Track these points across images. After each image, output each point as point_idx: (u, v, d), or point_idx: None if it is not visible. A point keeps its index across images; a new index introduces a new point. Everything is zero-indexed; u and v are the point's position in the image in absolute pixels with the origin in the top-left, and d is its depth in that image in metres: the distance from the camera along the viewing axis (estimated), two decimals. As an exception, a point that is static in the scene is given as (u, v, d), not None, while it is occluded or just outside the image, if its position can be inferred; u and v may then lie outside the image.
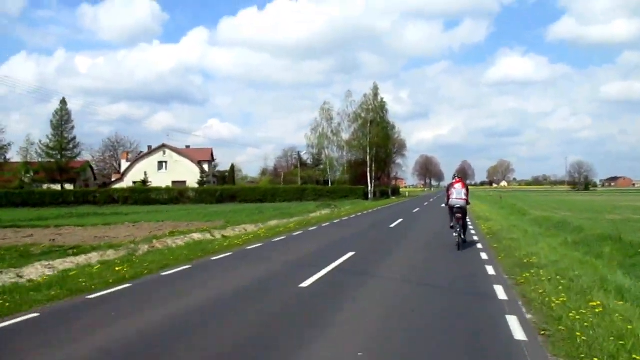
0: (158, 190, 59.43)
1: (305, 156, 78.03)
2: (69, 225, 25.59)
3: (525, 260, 10.01)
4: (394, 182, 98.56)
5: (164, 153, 71.78)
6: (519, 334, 5.31)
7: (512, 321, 5.75)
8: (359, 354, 4.68)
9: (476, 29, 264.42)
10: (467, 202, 13.10)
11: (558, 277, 8.05)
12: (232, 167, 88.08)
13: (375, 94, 63.96)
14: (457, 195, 12.90)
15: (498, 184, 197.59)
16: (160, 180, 65.52)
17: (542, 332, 5.38)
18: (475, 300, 6.93)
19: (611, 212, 31.71)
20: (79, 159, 65.95)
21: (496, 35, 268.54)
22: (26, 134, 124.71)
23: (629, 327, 5.15)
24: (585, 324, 5.34)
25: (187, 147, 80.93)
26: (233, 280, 8.55)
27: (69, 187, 62.47)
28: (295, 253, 11.93)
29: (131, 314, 6.37)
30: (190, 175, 68.69)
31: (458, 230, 12.67)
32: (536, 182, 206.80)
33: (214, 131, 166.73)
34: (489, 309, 6.44)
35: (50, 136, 60.11)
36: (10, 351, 5.00)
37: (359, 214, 30.01)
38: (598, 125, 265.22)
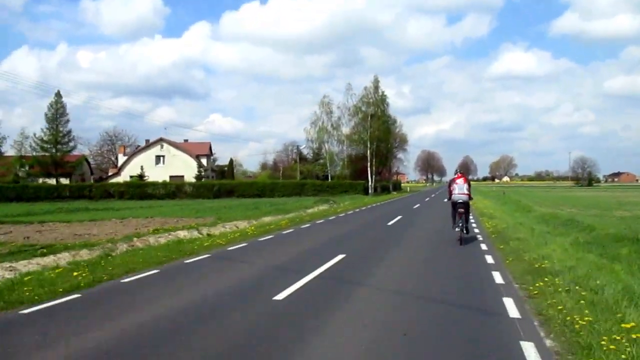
0: (154, 184, 58.33)
1: (305, 151, 76.85)
2: (54, 221, 24.51)
3: (536, 265, 8.86)
4: (395, 177, 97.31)
5: (162, 147, 70.65)
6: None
7: (529, 350, 4.59)
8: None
9: (479, 23, 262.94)
10: (470, 197, 12.99)
11: (577, 287, 6.90)
12: (231, 161, 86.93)
13: (376, 87, 62.66)
14: (459, 190, 12.84)
15: (500, 179, 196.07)
16: (157, 174, 64.42)
17: (570, 369, 4.25)
18: (481, 319, 5.78)
19: (618, 208, 30.55)
20: (75, 152, 64.92)
21: (499, 30, 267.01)
22: (26, 128, 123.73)
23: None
24: (624, 357, 4.20)
25: (185, 141, 79.85)
26: (198, 290, 7.36)
27: (64, 181, 61.38)
28: (279, 255, 10.79)
29: (56, 340, 5.11)
30: (188, 169, 67.64)
31: (460, 225, 12.58)
32: (538, 177, 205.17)
33: (216, 126, 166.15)
34: (498, 331, 5.29)
35: (44, 129, 58.98)
36: None
37: (357, 210, 28.87)
38: (601, 121, 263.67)
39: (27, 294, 7.03)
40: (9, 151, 62.28)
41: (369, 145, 60.86)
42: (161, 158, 70.27)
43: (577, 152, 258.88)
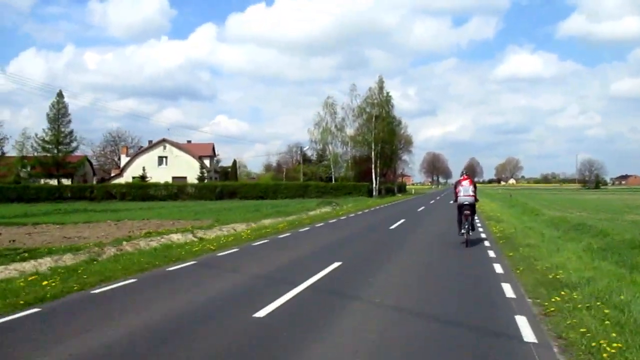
0: (156, 186, 57.73)
1: (309, 152, 76.00)
2: (49, 222, 23.85)
3: (550, 276, 8.06)
4: (400, 179, 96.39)
5: (164, 148, 70.11)
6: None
7: (551, 387, 3.82)
8: None
9: (485, 25, 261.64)
10: (476, 199, 13.05)
11: (599, 303, 6.12)
12: (235, 162, 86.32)
13: (381, 88, 61.65)
14: (465, 192, 12.83)
15: (506, 181, 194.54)
16: (160, 175, 63.87)
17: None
18: (491, 344, 4.99)
19: (629, 212, 29.65)
20: (78, 153, 64.45)
21: (505, 32, 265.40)
22: (31, 129, 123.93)
23: None
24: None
25: (189, 142, 79.30)
26: (171, 305, 6.55)
27: (66, 182, 60.88)
28: (271, 262, 10.01)
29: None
30: (190, 170, 67.05)
31: (466, 227, 12.57)
32: (545, 180, 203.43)
33: (222, 127, 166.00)
34: (512, 359, 4.52)
35: (46, 130, 58.50)
36: None
37: (359, 212, 28.06)
38: (608, 123, 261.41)
39: (-17, 307, 6.31)
40: (11, 152, 62.03)
41: (373, 146, 59.92)
42: (164, 159, 69.73)
43: (584, 155, 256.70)
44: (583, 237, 15.61)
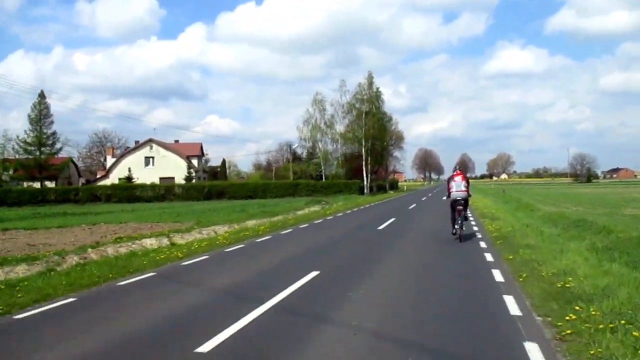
0: (142, 187, 56.34)
1: (299, 150, 74.75)
2: (20, 228, 22.50)
3: (558, 285, 6.95)
4: (392, 176, 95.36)
5: (151, 148, 68.66)
6: None
7: None
8: None
9: (475, 21, 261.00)
10: (468, 194, 13.16)
11: (624, 322, 5.01)
12: (224, 162, 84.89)
13: (370, 83, 60.46)
14: (457, 187, 12.96)
15: (498, 176, 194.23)
16: (147, 176, 62.42)
17: None
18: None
19: (626, 205, 28.75)
20: (63, 155, 62.87)
21: (495, 27, 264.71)
22: (14, 130, 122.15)
23: None
24: None
25: (176, 141, 77.81)
26: (103, 332, 5.25)
27: (50, 184, 59.28)
28: (239, 273, 8.80)
29: None
30: (178, 171, 65.70)
31: (459, 222, 12.65)
32: (536, 174, 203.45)
33: (213, 127, 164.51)
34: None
35: (28, 131, 56.79)
36: None
37: (348, 211, 26.90)
38: (598, 117, 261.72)
39: None
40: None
41: (363, 143, 58.77)
42: (150, 159, 68.30)
43: (575, 149, 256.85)
44: (585, 234, 14.56)
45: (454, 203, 12.83)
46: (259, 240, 13.73)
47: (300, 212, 27.14)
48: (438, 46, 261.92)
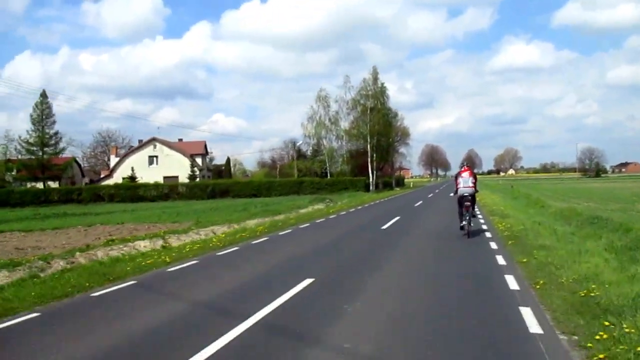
0: (146, 186, 55.83)
1: (304, 147, 73.89)
2: (15, 230, 21.95)
3: (581, 294, 6.16)
4: (398, 173, 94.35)
5: (155, 147, 68.11)
6: None
7: None
8: None
9: (480, 16, 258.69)
10: (476, 190, 13.15)
11: (666, 343, 4.22)
12: (228, 160, 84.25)
13: (375, 78, 59.47)
14: (465, 184, 12.91)
15: (505, 172, 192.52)
16: (151, 175, 61.92)
17: None
18: None
19: (638, 201, 27.81)
20: (67, 154, 62.46)
21: (500, 22, 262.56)
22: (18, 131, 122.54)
23: None
24: None
25: (180, 140, 77.19)
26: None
27: (53, 185, 58.89)
28: (225, 281, 8.00)
29: None
30: (182, 169, 65.10)
31: (467, 218, 12.61)
32: (544, 169, 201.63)
33: (219, 125, 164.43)
34: None
35: (30, 131, 56.39)
36: None
37: (352, 210, 26.10)
38: (605, 111, 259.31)
39: None
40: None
41: (369, 139, 57.86)
42: (154, 158, 67.76)
43: (583, 143, 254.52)
44: (601, 232, 13.70)
45: (461, 199, 12.83)
46: (255, 242, 12.97)
47: (303, 211, 26.43)
48: (443, 42, 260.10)
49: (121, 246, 13.42)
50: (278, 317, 5.65)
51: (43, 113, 56.54)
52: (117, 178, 64.02)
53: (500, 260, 9.03)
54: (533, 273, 7.70)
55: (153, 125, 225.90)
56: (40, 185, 57.00)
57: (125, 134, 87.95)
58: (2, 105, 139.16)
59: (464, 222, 12.66)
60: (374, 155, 58.86)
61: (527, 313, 5.54)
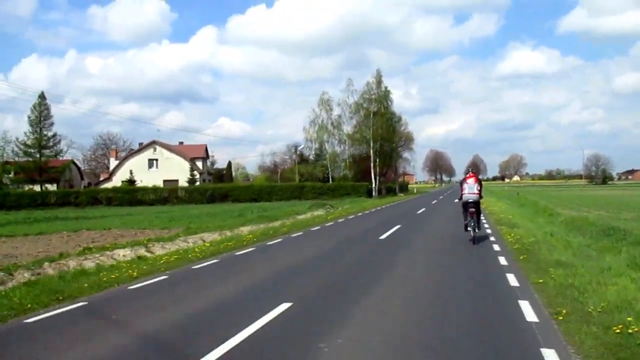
0: (144, 190, 54.88)
1: (306, 152, 72.71)
2: (-1, 235, 20.90)
3: (616, 330, 4.97)
4: (402, 178, 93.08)
5: (155, 150, 67.21)
6: None
7: None
8: None
9: (486, 22, 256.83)
10: (480, 196, 13.14)
11: None
12: (229, 164, 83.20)
13: (379, 82, 58.23)
14: (470, 190, 12.95)
15: (510, 178, 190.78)
16: (150, 178, 60.96)
17: None
18: None
19: (651, 209, 26.56)
20: (66, 157, 61.55)
21: (506, 28, 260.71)
22: (14, 132, 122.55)
23: None
24: None
25: (181, 143, 76.30)
26: None
27: (52, 187, 57.98)
28: (188, 305, 6.74)
29: None
30: (182, 173, 64.24)
31: (472, 225, 12.67)
32: (549, 176, 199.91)
33: (225, 129, 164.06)
34: None
35: (27, 133, 55.49)
36: None
37: (351, 216, 24.89)
38: (611, 118, 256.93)
39: None
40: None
41: (372, 144, 56.62)
42: (154, 161, 66.85)
43: (589, 150, 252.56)
44: (619, 245, 12.51)
45: (466, 205, 12.94)
46: (238, 253, 11.79)
47: (300, 217, 25.33)
48: (449, 47, 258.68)
49: (97, 255, 12.37)
50: (238, 356, 4.46)
51: (41, 115, 55.73)
52: (117, 181, 63.13)
53: (512, 280, 7.81)
54: (552, 299, 6.48)
55: (158, 128, 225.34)
56: (37, 188, 56.11)
57: (127, 137, 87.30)
58: (9, 108, 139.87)
59: (469, 228, 12.85)
60: (377, 160, 57.61)
61: (552, 357, 4.34)
